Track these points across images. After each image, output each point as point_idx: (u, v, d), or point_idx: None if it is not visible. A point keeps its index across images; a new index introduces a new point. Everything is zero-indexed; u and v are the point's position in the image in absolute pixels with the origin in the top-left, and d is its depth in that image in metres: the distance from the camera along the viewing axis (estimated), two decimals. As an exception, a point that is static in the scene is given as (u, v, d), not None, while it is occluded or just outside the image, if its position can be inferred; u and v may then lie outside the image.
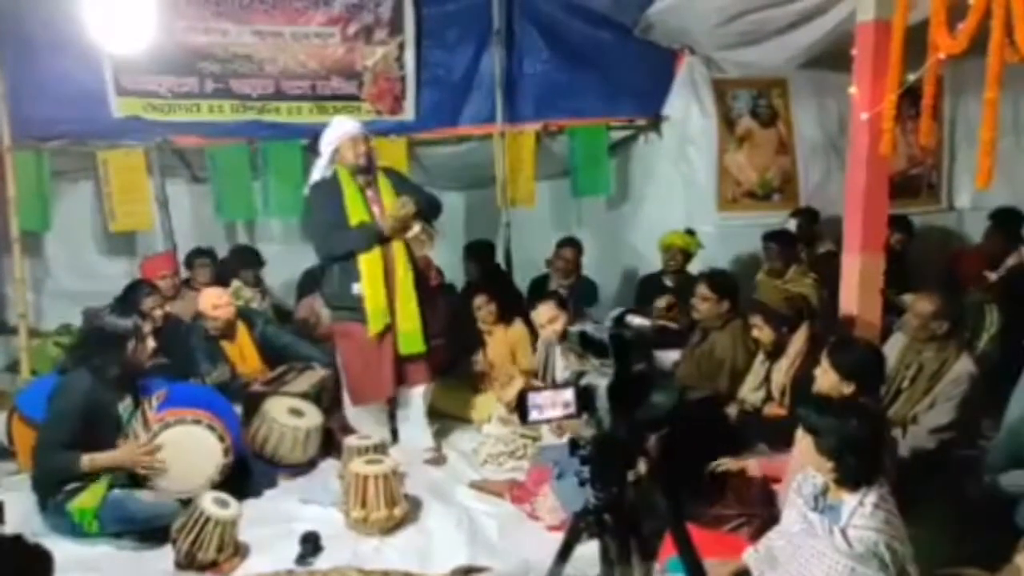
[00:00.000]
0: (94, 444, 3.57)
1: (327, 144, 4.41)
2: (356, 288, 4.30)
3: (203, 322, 4.95)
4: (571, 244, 6.00)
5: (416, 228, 4.31)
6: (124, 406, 3.74)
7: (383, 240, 4.28)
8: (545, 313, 4.41)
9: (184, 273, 5.86)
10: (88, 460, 3.53)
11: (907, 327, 3.83)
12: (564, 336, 4.38)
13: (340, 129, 4.41)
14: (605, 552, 1.89)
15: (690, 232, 5.82)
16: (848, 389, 3.15)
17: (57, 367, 4.25)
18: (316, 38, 5.94)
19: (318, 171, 4.44)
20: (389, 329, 4.34)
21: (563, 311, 4.42)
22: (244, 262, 5.91)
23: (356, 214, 4.29)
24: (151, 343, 3.85)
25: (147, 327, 3.84)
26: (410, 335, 4.37)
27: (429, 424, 4.67)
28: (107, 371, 3.68)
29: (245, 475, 4.02)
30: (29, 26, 5.45)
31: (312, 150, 4.81)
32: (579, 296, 5.66)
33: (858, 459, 2.47)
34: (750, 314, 4.09)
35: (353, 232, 4.28)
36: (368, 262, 4.27)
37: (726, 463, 3.55)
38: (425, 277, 4.69)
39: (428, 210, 4.44)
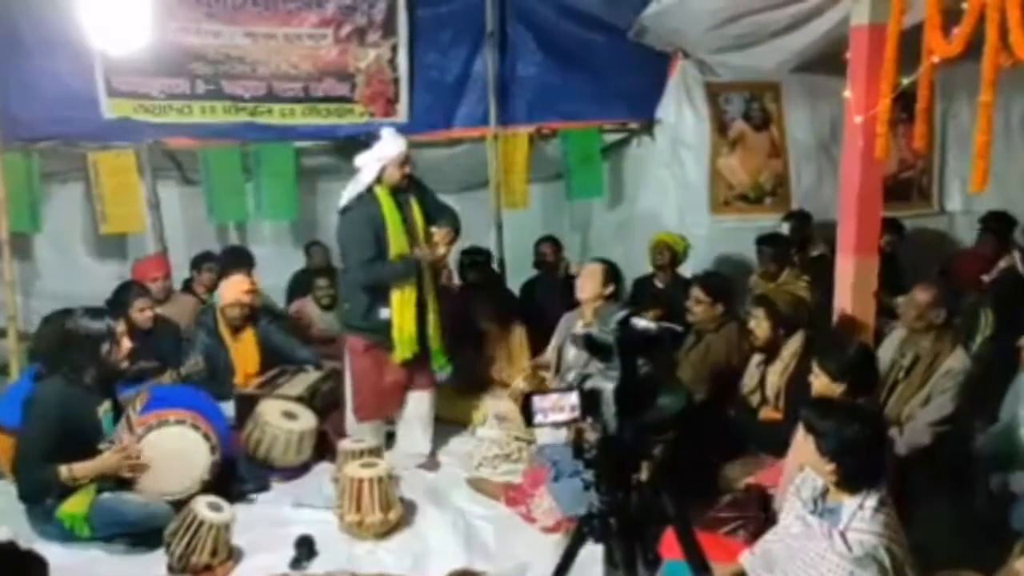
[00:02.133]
0: (76, 452, 3.49)
1: (374, 161, 4.23)
2: (385, 313, 4.25)
3: (211, 315, 4.94)
4: (548, 240, 6.07)
5: (442, 250, 4.32)
6: (104, 410, 3.68)
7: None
8: (588, 267, 4.52)
9: (176, 276, 5.82)
10: (67, 471, 3.43)
11: (905, 318, 3.85)
12: (595, 301, 4.38)
13: (393, 147, 4.23)
14: (610, 556, 1.88)
15: (680, 237, 5.82)
16: (839, 389, 3.16)
17: (30, 372, 4.14)
18: (309, 40, 5.91)
19: (359, 186, 4.27)
20: (415, 357, 4.33)
21: (607, 279, 4.44)
22: (235, 263, 5.87)
23: (397, 243, 4.20)
24: (126, 344, 3.75)
25: (121, 328, 3.73)
26: (438, 353, 4.44)
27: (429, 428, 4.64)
28: (82, 375, 3.59)
29: (233, 475, 4.00)
30: (19, 27, 5.41)
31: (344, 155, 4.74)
32: (569, 294, 5.67)
33: (859, 461, 2.46)
34: (753, 307, 4.09)
35: (395, 266, 4.20)
36: (403, 292, 4.22)
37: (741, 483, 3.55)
38: (446, 288, 4.77)
39: (458, 231, 4.43)
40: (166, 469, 3.62)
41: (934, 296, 3.73)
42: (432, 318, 4.35)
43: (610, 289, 4.45)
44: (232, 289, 4.93)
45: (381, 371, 4.36)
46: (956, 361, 3.66)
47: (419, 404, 4.53)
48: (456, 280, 5.98)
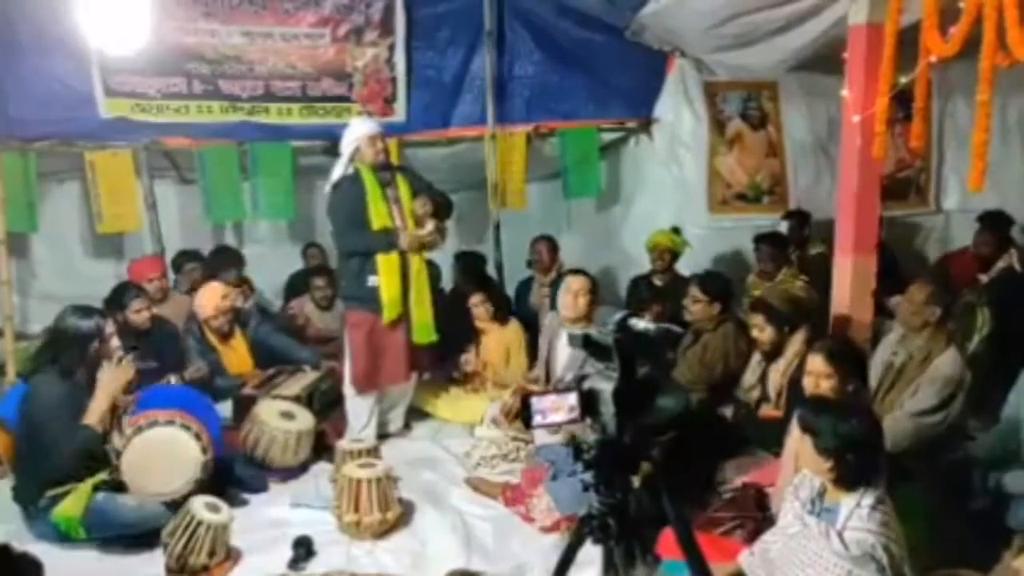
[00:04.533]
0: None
1: (348, 143, 4.59)
2: (372, 280, 4.50)
3: (196, 324, 4.91)
4: (545, 240, 6.05)
5: (430, 226, 4.53)
6: None
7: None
8: (580, 282, 4.34)
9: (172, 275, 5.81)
10: (93, 417, 3.48)
11: (901, 316, 3.83)
12: (582, 316, 4.29)
13: (360, 129, 4.59)
14: (609, 557, 1.88)
15: (676, 231, 5.83)
16: (851, 387, 3.15)
17: (23, 373, 4.14)
18: (306, 39, 5.91)
19: (339, 168, 4.61)
20: (402, 319, 4.54)
21: (594, 292, 4.37)
22: (225, 262, 5.88)
23: (379, 216, 4.49)
24: (115, 343, 3.75)
25: (110, 327, 3.73)
26: (424, 325, 4.61)
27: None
28: (72, 373, 3.59)
29: (231, 476, 4.00)
30: (16, 26, 5.41)
31: (331, 152, 4.98)
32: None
33: (857, 457, 2.47)
34: (752, 313, 4.08)
35: (374, 237, 4.47)
36: (386, 258, 4.47)
37: (738, 481, 3.55)
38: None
39: (444, 209, 4.68)
40: (158, 470, 3.60)
41: (930, 294, 3.72)
42: (416, 289, 4.55)
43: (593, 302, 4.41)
44: (208, 301, 4.90)
45: (376, 341, 4.56)
46: (947, 357, 3.64)
47: (406, 391, 4.89)
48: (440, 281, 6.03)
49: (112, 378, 3.59)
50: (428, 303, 4.63)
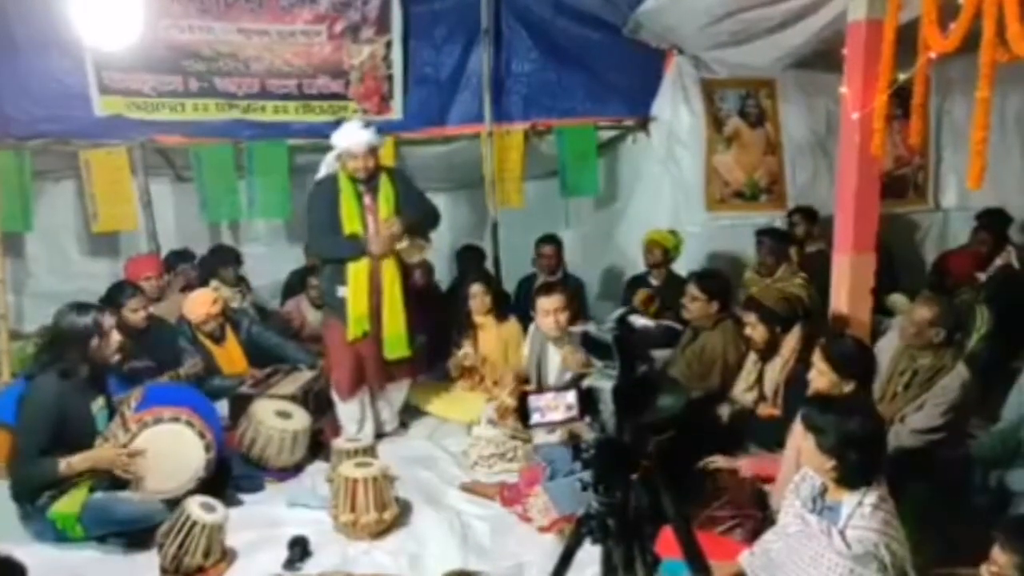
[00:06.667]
0: (70, 447, 3.48)
1: (335, 145, 4.43)
2: (341, 291, 4.41)
3: (187, 324, 4.90)
4: (551, 241, 6.02)
5: (404, 243, 4.43)
6: (97, 406, 3.66)
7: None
8: (553, 302, 4.24)
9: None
10: (65, 464, 3.43)
11: (904, 333, 3.69)
12: (565, 330, 4.21)
13: (346, 140, 4.37)
14: (608, 557, 1.86)
15: (672, 233, 5.81)
16: (848, 387, 3.14)
17: (23, 373, 4.11)
18: (302, 36, 5.88)
19: (325, 167, 4.53)
20: (367, 335, 4.44)
21: (571, 306, 4.28)
22: (222, 261, 5.86)
23: (350, 223, 4.38)
24: (116, 337, 3.73)
25: (108, 321, 3.69)
26: (395, 340, 4.50)
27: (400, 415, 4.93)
28: (74, 371, 3.56)
29: (227, 475, 3.97)
30: (10, 24, 5.38)
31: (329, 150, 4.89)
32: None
33: (859, 456, 2.45)
34: (745, 312, 4.06)
35: (342, 242, 4.38)
36: (355, 271, 4.37)
37: (718, 461, 3.55)
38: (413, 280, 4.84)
39: (424, 222, 4.57)
40: (161, 467, 3.59)
41: (935, 314, 3.54)
42: (388, 302, 4.43)
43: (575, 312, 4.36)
44: (199, 307, 4.90)
45: (352, 348, 4.48)
46: (957, 378, 3.48)
47: (396, 392, 4.80)
48: (435, 278, 6.05)
49: (106, 458, 3.52)
50: (401, 316, 4.47)
